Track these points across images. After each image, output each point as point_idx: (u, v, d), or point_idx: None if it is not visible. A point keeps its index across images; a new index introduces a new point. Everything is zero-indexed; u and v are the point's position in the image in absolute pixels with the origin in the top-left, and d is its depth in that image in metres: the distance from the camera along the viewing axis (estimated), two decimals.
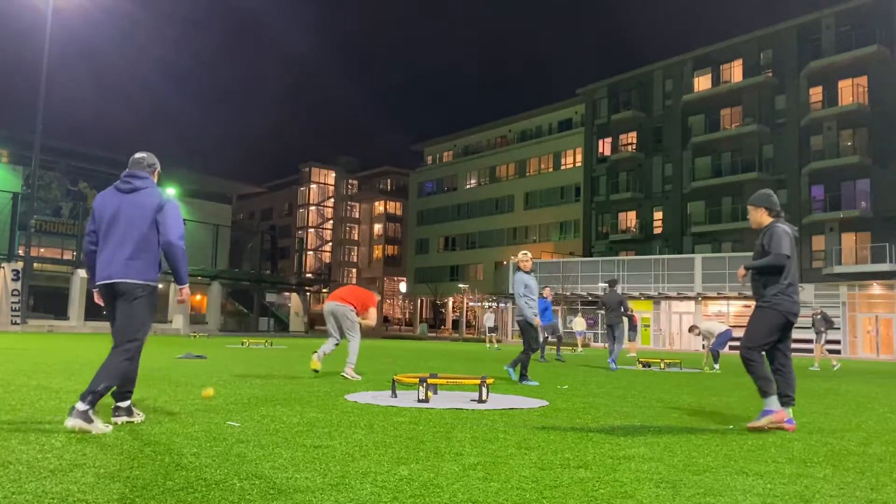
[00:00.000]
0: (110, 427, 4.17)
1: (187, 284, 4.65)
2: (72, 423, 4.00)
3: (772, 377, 5.17)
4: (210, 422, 4.67)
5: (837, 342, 35.31)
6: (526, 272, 9.38)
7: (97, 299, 4.63)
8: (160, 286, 4.86)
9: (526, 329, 9.34)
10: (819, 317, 18.06)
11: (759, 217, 5.51)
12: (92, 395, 4.09)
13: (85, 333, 29.64)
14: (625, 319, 13.75)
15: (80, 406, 4.04)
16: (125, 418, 4.45)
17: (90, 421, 4.03)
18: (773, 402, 5.09)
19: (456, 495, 2.85)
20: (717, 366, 14.47)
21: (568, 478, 3.26)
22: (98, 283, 4.50)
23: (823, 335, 18.01)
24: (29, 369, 8.72)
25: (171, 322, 36.68)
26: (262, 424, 4.62)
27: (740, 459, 3.88)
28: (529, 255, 9.54)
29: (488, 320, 30.30)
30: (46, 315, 34.99)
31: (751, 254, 5.63)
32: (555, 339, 18.05)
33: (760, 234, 5.41)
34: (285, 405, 5.74)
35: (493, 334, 30.13)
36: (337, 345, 9.09)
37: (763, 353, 5.22)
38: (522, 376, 9.10)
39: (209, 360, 12.26)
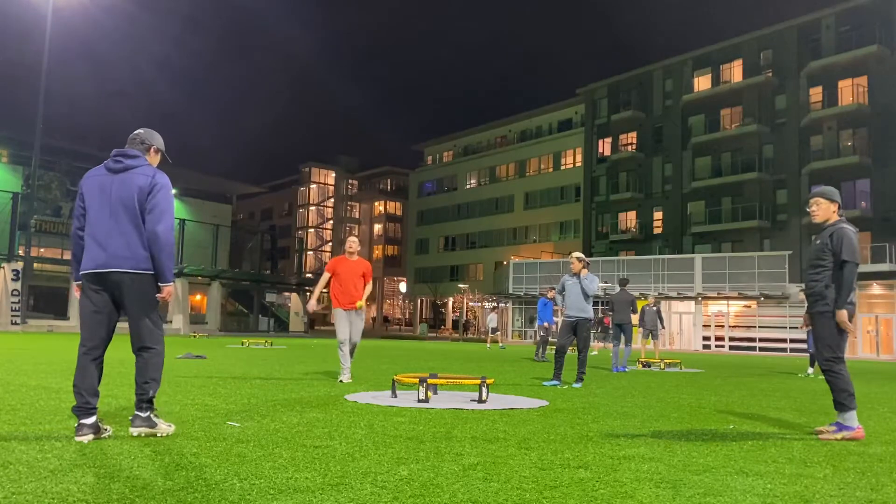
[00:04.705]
0: (173, 427, 4.16)
1: (171, 283, 4.12)
2: (136, 430, 3.99)
3: (853, 391, 4.90)
4: (210, 422, 4.67)
5: None
6: (573, 274, 9.12)
7: (76, 292, 4.16)
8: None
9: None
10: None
11: (829, 212, 5.13)
12: (148, 402, 4.04)
13: None
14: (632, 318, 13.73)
15: (142, 413, 4.01)
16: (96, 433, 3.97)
17: (154, 425, 4.05)
18: (852, 417, 4.82)
19: (456, 495, 2.84)
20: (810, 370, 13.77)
21: (568, 478, 3.26)
22: (84, 273, 4.01)
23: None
24: (29, 369, 8.71)
25: (170, 322, 36.71)
26: (262, 424, 4.62)
27: (740, 459, 3.88)
28: (575, 255, 9.21)
29: (491, 321, 30.23)
30: (46, 315, 35.02)
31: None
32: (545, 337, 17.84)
33: (825, 233, 5.06)
34: (285, 405, 5.74)
35: (494, 334, 30.11)
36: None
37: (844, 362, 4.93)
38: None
39: (209, 360, 12.25)
